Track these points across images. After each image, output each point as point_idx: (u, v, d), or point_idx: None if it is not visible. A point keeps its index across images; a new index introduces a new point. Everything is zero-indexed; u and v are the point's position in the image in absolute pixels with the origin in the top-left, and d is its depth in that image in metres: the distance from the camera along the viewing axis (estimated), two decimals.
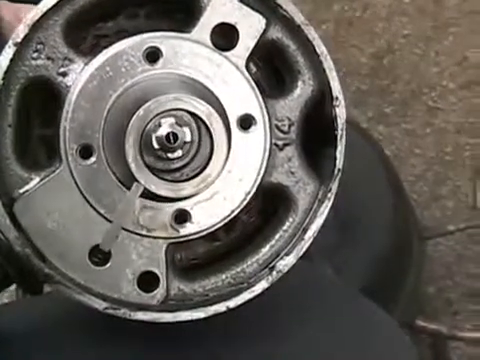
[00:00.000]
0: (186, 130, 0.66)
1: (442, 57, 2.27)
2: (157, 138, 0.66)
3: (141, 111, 0.66)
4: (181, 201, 0.70)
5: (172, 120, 0.66)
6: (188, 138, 0.66)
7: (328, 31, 2.26)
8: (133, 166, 0.66)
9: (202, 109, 0.66)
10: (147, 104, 0.66)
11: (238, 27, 0.71)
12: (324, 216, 0.72)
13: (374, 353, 0.83)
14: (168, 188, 0.68)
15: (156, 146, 0.66)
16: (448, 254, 2.08)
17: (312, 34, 0.72)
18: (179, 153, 0.66)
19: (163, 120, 0.66)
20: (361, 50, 2.28)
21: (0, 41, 0.73)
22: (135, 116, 0.66)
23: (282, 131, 0.72)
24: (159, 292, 0.70)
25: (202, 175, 0.68)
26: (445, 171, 2.16)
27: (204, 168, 0.68)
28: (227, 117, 0.70)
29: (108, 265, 0.69)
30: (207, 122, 0.67)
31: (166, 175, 0.68)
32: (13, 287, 0.81)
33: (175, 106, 0.66)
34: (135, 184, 0.67)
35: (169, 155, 0.66)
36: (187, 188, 0.68)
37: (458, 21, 2.29)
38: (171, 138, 0.65)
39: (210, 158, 0.68)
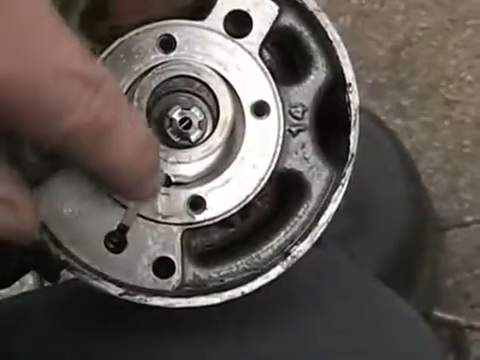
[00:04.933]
0: (194, 110, 0.69)
1: (460, 50, 2.26)
2: (173, 131, 0.69)
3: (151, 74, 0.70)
4: (196, 188, 0.71)
5: (179, 108, 0.69)
6: (200, 116, 0.69)
7: (345, 24, 2.26)
8: None
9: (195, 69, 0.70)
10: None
11: (251, 14, 0.71)
12: (338, 202, 0.72)
13: (393, 339, 0.83)
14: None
15: (175, 139, 0.70)
16: (466, 247, 2.07)
17: (324, 20, 0.72)
18: (198, 134, 0.70)
19: (171, 111, 0.69)
20: (379, 43, 2.28)
21: None
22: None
23: (296, 117, 0.72)
24: (175, 278, 0.70)
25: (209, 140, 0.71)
26: (463, 164, 2.16)
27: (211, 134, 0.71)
28: (241, 104, 0.71)
29: (124, 251, 0.70)
30: (201, 78, 0.70)
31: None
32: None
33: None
34: None
35: (190, 138, 0.70)
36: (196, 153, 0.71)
37: (476, 14, 2.28)
38: (185, 123, 0.68)
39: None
